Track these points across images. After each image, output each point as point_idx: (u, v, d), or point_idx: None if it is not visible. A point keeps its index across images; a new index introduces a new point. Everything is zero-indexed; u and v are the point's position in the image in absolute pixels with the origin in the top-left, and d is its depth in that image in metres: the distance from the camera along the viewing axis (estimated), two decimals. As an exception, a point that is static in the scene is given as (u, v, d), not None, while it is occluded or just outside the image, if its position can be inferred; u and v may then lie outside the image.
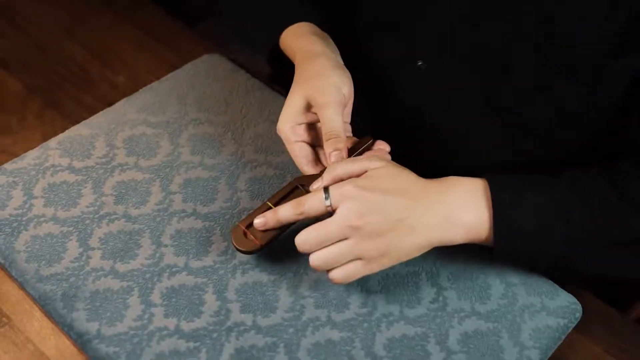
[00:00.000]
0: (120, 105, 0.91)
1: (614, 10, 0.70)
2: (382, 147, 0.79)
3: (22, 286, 0.74)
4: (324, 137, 0.75)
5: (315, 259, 0.69)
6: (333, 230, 0.68)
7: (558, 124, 0.80)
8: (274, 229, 0.73)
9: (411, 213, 0.69)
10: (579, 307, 0.75)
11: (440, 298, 0.75)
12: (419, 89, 0.86)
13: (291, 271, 0.76)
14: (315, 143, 0.79)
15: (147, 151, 0.86)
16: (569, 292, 0.77)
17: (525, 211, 0.71)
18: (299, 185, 0.76)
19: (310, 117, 0.78)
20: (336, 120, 0.75)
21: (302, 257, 0.77)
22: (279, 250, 0.77)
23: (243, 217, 0.79)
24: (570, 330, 0.74)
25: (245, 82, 0.95)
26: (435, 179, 0.74)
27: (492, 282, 0.77)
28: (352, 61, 0.86)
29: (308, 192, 0.74)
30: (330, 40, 0.85)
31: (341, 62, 0.82)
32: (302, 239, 0.69)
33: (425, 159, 0.87)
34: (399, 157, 0.87)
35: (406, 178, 0.72)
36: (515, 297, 0.76)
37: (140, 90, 0.93)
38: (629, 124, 0.75)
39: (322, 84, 0.77)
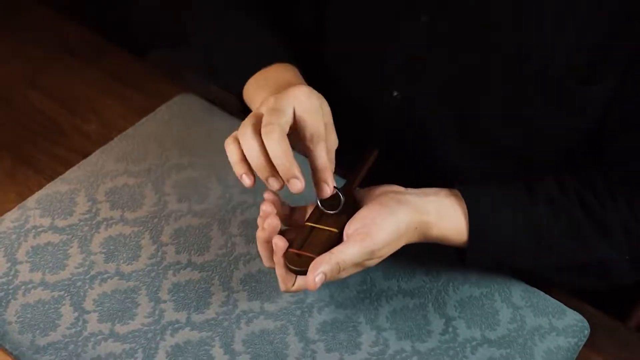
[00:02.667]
0: (97, 156, 0.88)
1: (582, 40, 0.71)
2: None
3: (17, 359, 0.70)
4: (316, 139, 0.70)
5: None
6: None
7: (533, 149, 0.81)
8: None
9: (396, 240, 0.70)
10: (587, 324, 0.76)
11: (450, 329, 0.74)
12: (391, 119, 0.86)
13: (295, 315, 0.74)
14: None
15: (131, 202, 0.83)
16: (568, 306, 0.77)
17: (500, 228, 0.73)
18: (319, 205, 0.72)
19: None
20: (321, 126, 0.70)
21: (305, 299, 0.75)
22: (280, 294, 0.75)
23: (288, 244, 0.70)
24: (580, 349, 0.74)
25: (223, 121, 0.93)
26: (414, 192, 0.74)
27: (498, 307, 0.76)
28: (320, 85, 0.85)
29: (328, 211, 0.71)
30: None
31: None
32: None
33: (400, 184, 0.87)
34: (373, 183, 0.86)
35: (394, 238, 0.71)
36: (524, 319, 0.75)
37: (116, 138, 0.90)
38: (605, 146, 0.77)
39: (305, 89, 0.71)
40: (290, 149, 0.65)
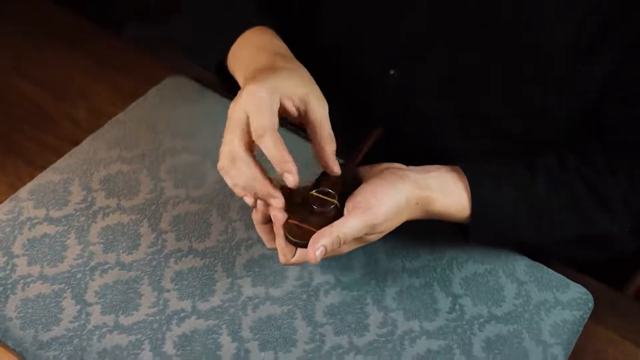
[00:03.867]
0: (88, 143, 0.86)
1: (584, 19, 0.70)
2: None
3: (21, 356, 0.69)
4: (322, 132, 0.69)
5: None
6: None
7: (533, 129, 0.81)
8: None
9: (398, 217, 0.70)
10: (590, 296, 0.76)
11: (457, 307, 0.74)
12: (388, 102, 0.85)
13: (302, 300, 0.74)
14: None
15: (127, 190, 0.81)
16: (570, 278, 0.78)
17: (502, 204, 0.73)
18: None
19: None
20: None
21: (310, 283, 0.75)
22: (285, 278, 0.75)
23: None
24: (586, 321, 0.75)
25: (215, 103, 0.91)
26: (415, 169, 0.73)
27: (503, 283, 0.76)
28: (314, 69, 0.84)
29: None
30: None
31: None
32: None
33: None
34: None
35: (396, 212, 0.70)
36: (529, 294, 0.75)
37: (106, 124, 0.88)
38: (604, 122, 0.76)
39: (300, 71, 0.71)
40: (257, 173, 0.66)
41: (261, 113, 0.66)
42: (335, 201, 0.69)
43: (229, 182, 0.68)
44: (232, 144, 0.66)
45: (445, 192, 0.73)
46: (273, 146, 0.65)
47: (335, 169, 0.70)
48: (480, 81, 0.78)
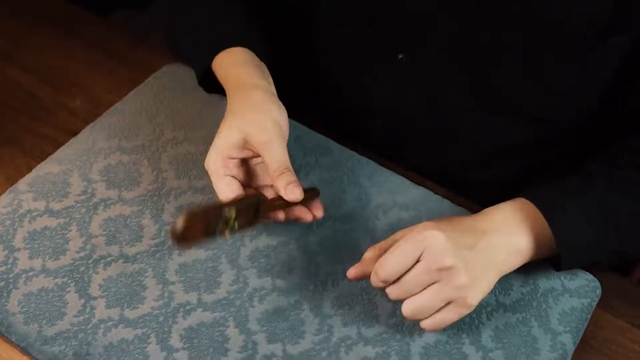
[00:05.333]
0: (87, 133, 0.84)
1: None
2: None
3: (25, 351, 0.68)
4: (274, 174, 0.70)
5: (407, 308, 0.67)
6: (422, 276, 0.66)
7: (548, 106, 0.79)
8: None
9: (482, 251, 0.68)
10: (598, 284, 0.76)
11: (465, 296, 0.74)
12: (397, 84, 0.83)
13: (309, 290, 0.73)
14: (243, 182, 0.73)
15: (128, 181, 0.80)
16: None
17: (579, 222, 0.71)
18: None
19: (245, 153, 0.72)
20: (282, 154, 0.70)
21: (318, 272, 0.74)
22: (292, 267, 0.74)
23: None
24: (594, 309, 0.75)
25: (215, 92, 0.89)
26: (474, 215, 0.71)
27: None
28: (312, 63, 0.82)
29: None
30: (267, 72, 0.79)
31: (276, 96, 0.76)
32: (392, 291, 0.67)
33: (412, 154, 0.85)
34: (384, 148, 0.84)
35: (456, 222, 0.70)
36: (536, 283, 0.75)
37: (104, 113, 0.86)
38: (631, 104, 0.76)
39: (261, 119, 0.71)
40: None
41: (217, 156, 0.71)
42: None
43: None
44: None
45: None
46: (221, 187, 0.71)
47: (290, 196, 0.69)
48: (498, 58, 0.76)
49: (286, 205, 0.71)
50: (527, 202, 0.72)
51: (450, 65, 0.79)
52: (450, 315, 0.67)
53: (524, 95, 0.78)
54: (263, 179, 0.74)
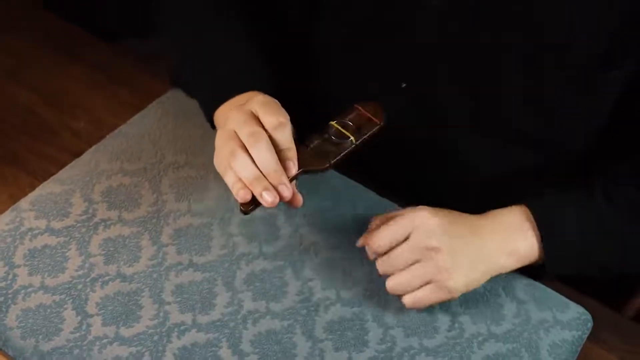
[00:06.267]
0: (90, 155, 0.86)
1: (606, 18, 0.70)
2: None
3: (21, 366, 0.69)
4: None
5: (389, 281, 0.73)
6: (406, 253, 0.71)
7: (549, 132, 0.81)
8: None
9: (472, 242, 0.72)
10: (589, 317, 0.77)
11: (456, 325, 0.74)
12: (400, 110, 0.85)
13: (301, 315, 0.74)
14: None
15: (129, 203, 0.81)
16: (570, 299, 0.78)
17: (570, 230, 0.73)
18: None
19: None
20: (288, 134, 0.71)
21: (311, 298, 0.75)
22: (285, 293, 0.75)
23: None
24: (584, 341, 0.75)
25: (217, 118, 0.91)
26: (476, 215, 0.74)
27: (503, 302, 0.77)
28: (314, 90, 0.84)
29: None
30: None
31: None
32: (380, 264, 0.73)
33: (412, 175, 0.86)
34: (384, 174, 0.86)
35: (455, 214, 0.73)
36: (528, 314, 0.76)
37: (108, 136, 0.88)
38: (633, 128, 0.77)
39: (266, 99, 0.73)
40: (275, 156, 0.68)
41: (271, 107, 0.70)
42: (351, 136, 0.71)
43: (231, 179, 0.69)
44: (257, 132, 0.68)
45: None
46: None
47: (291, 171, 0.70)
48: (499, 82, 0.77)
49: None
50: (527, 207, 0.75)
51: (451, 88, 0.80)
52: (429, 295, 0.71)
53: (527, 124, 0.80)
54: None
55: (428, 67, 0.80)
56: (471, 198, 0.85)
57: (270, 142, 0.69)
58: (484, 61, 0.77)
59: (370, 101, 0.75)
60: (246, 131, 0.69)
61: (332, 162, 0.71)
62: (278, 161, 0.68)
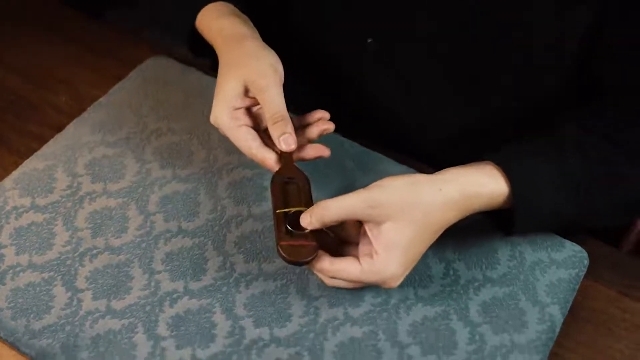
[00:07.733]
0: (72, 129, 0.85)
1: None
2: (320, 115, 0.76)
3: (13, 345, 0.68)
4: (270, 121, 0.71)
5: (330, 283, 0.71)
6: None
7: (522, 88, 0.79)
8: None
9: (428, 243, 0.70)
10: (586, 254, 0.75)
11: (451, 272, 0.73)
12: (371, 70, 0.83)
13: (295, 273, 0.73)
14: (255, 127, 0.73)
15: (113, 174, 0.80)
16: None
17: (541, 184, 0.70)
18: (287, 180, 0.72)
19: (247, 102, 0.73)
20: (280, 101, 0.72)
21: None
22: (276, 255, 0.74)
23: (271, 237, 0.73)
24: (582, 279, 0.74)
25: (198, 81, 0.89)
26: (438, 174, 0.70)
27: (497, 245, 0.76)
28: (289, 47, 0.82)
29: (297, 184, 0.71)
30: (250, 22, 0.80)
31: (265, 43, 0.77)
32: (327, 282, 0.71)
33: (388, 138, 0.85)
34: (360, 138, 0.84)
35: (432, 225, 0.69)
36: (523, 256, 0.75)
37: (89, 108, 0.87)
38: (602, 70, 0.75)
39: (258, 65, 0.73)
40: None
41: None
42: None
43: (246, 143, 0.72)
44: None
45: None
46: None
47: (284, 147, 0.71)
48: (467, 40, 0.76)
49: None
50: (490, 163, 0.71)
51: (418, 48, 0.79)
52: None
53: (494, 78, 0.78)
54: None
55: (393, 21, 0.78)
56: (450, 150, 0.83)
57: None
58: (447, 19, 0.75)
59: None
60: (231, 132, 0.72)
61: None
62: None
